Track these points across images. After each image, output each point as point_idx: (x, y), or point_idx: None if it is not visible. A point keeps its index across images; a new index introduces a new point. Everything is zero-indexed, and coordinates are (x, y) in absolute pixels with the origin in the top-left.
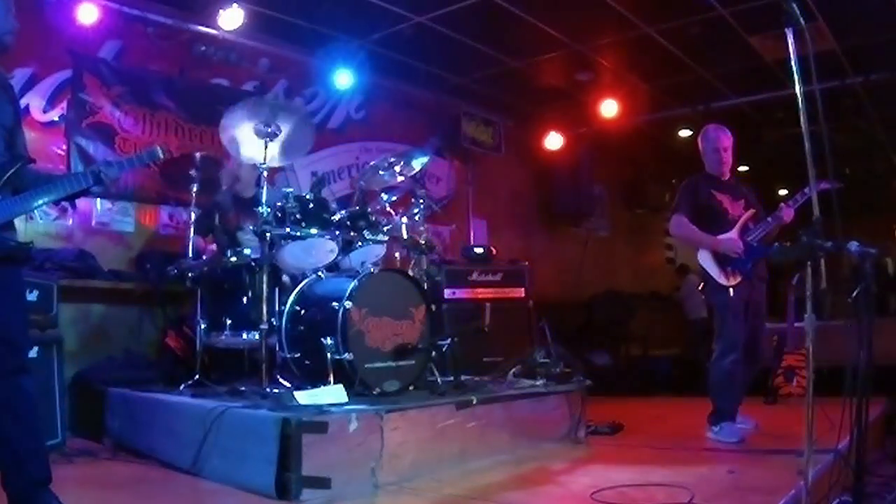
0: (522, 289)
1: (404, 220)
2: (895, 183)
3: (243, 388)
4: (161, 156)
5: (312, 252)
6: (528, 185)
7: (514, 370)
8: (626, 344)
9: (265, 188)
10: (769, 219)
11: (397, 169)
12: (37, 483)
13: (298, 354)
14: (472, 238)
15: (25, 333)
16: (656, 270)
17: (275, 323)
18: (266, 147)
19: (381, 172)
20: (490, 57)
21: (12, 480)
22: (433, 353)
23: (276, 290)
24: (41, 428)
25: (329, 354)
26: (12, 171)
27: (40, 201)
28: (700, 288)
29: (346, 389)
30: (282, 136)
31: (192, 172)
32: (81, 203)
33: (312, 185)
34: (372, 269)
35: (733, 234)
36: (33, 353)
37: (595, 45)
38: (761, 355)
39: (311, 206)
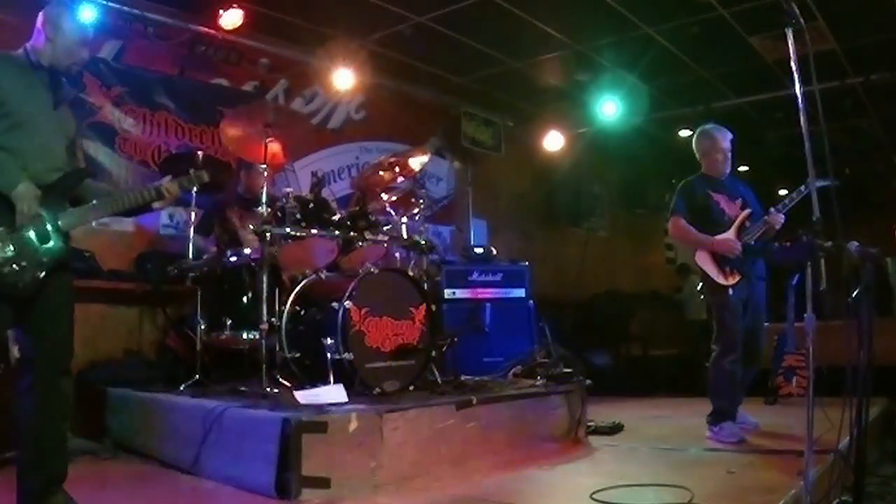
0: (523, 289)
1: (404, 220)
2: (895, 183)
3: (243, 388)
4: (206, 180)
5: (312, 252)
6: (528, 185)
7: (514, 370)
8: (626, 344)
9: (265, 188)
10: (765, 217)
11: (397, 169)
12: (53, 481)
13: (298, 354)
14: (472, 238)
15: (73, 338)
16: (656, 270)
17: (275, 323)
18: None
19: (381, 172)
20: (490, 57)
21: (30, 476)
22: (433, 353)
23: (276, 290)
24: (66, 428)
25: (329, 354)
26: (75, 181)
27: (103, 214)
28: (699, 288)
29: (346, 389)
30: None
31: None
32: None
33: (312, 185)
34: (372, 269)
35: (730, 234)
36: None
37: (595, 45)
38: (761, 355)
39: (311, 206)
